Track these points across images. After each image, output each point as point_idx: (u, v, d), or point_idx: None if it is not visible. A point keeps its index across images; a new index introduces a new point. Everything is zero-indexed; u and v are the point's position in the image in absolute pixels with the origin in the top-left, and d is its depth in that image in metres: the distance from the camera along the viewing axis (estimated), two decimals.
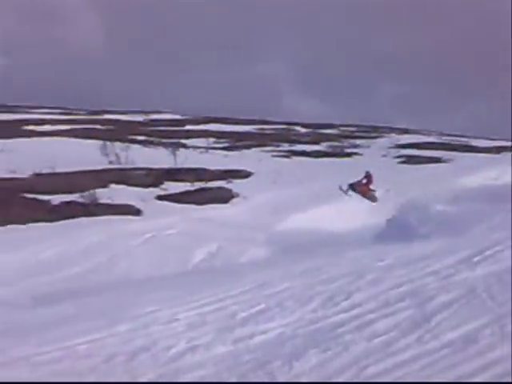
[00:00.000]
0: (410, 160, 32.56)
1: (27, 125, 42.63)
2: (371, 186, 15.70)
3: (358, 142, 42.95)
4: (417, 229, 13.46)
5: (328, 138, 45.07)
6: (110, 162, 28.37)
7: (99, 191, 20.65)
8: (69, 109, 60.61)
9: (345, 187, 15.28)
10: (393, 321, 5.88)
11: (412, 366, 4.79)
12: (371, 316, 6.08)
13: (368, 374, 4.71)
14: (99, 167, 26.38)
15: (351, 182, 15.59)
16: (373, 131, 51.75)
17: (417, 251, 8.95)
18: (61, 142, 33.89)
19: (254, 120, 57.26)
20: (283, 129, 52.88)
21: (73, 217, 17.46)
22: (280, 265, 10.08)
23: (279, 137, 44.72)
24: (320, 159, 33.02)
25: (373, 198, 15.58)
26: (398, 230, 13.95)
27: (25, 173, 24.75)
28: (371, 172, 15.87)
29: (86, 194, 20.16)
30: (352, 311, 6.32)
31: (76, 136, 36.52)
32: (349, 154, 35.85)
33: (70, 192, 20.64)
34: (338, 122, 57.18)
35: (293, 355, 5.16)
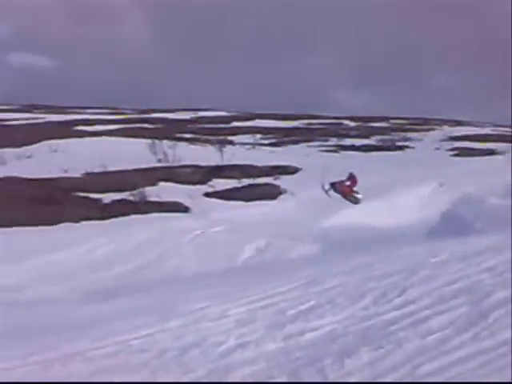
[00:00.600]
0: (464, 152, 31.68)
1: (79, 125, 43.91)
2: (355, 188, 14.86)
3: (409, 134, 42.07)
4: (471, 223, 13.11)
5: (378, 131, 44.37)
6: (159, 160, 28.87)
7: (148, 189, 21.07)
8: (118, 108, 62.03)
9: (327, 186, 14.51)
10: (447, 318, 5.75)
11: (467, 365, 4.66)
12: (425, 313, 5.96)
13: (422, 372, 4.63)
14: (148, 165, 26.90)
15: (333, 181, 14.80)
16: (424, 124, 50.61)
17: (472, 246, 8.71)
18: (111, 142, 34.74)
19: (302, 115, 56.99)
20: (331, 123, 52.41)
21: (123, 215, 17.89)
22: (330, 261, 10.02)
23: (327, 131, 44.36)
24: (370, 153, 32.57)
25: (355, 200, 14.68)
26: (451, 225, 13.62)
27: (77, 172, 25.53)
28: (355, 174, 14.99)
29: (135, 192, 20.62)
30: (405, 308, 6.21)
31: (125, 135, 37.34)
32: (400, 148, 35.20)
33: (121, 190, 21.16)
34: (388, 115, 56.18)
35: (344, 352, 5.12)
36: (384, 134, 42.76)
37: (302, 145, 37.13)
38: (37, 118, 50.16)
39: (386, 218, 15.50)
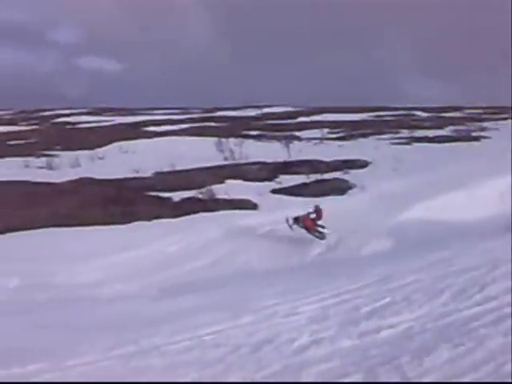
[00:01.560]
0: None
1: (147, 126, 45.24)
2: (320, 222, 14.07)
3: (485, 124, 40.44)
4: None
5: (452, 121, 42.94)
6: (225, 158, 29.26)
7: (216, 187, 21.40)
8: (185, 108, 63.33)
9: (290, 221, 14.14)
10: None
11: None
12: (508, 310, 5.74)
13: (505, 371, 4.47)
14: (215, 163, 27.33)
15: (297, 215, 14.36)
16: (501, 112, 48.46)
17: None
18: (179, 141, 35.57)
19: (371, 107, 56.02)
20: (402, 114, 51.21)
21: (193, 212, 18.26)
22: (405, 257, 9.82)
23: (398, 123, 43.38)
24: (444, 144, 31.58)
25: (320, 236, 13.81)
26: None
27: (147, 172, 26.33)
28: (321, 207, 14.17)
29: (204, 190, 21.00)
30: (486, 304, 6.01)
31: (192, 134, 38.12)
32: (476, 138, 33.91)
33: (189, 189, 21.63)
34: (462, 105, 54.20)
35: (423, 350, 5.02)
36: (458, 124, 41.34)
37: (371, 138, 36.52)
38: (107, 121, 52.11)
39: (463, 211, 14.98)
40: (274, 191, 21.51)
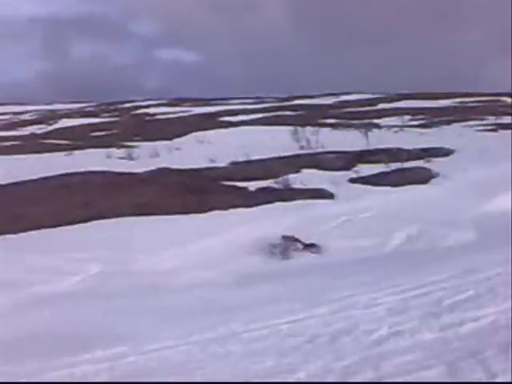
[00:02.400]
0: None
1: (223, 116, 45.93)
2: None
3: None
4: None
5: None
6: (301, 147, 29.17)
7: (292, 176, 21.42)
8: (260, 98, 63.71)
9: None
10: None
11: None
12: None
13: None
14: (291, 153, 27.33)
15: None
16: None
17: None
18: (254, 131, 35.85)
19: (454, 93, 54.01)
20: (487, 100, 49.03)
21: (268, 202, 18.39)
22: (490, 248, 9.47)
23: (483, 109, 41.59)
24: None
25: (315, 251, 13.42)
26: None
27: (223, 162, 26.76)
28: None
29: (279, 179, 21.08)
30: None
31: (268, 124, 38.30)
32: None
33: (264, 178, 21.78)
34: None
35: (509, 344, 4.85)
36: None
37: (455, 125, 35.23)
38: (185, 111, 53.36)
39: None
40: (352, 180, 21.25)
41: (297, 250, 13.10)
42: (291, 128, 31.52)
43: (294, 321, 6.68)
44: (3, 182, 24.49)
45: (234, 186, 21.45)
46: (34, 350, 6.32)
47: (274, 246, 13.18)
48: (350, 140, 28.68)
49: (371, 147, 26.28)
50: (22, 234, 16.35)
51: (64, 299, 9.50)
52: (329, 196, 19.13)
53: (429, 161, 22.93)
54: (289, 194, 19.19)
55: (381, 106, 48.89)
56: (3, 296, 9.21)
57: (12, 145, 40.15)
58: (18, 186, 23.60)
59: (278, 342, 5.95)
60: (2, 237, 15.89)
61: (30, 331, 7.22)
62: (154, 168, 25.94)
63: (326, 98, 59.91)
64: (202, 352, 5.93)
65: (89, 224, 17.02)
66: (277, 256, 12.67)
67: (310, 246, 13.11)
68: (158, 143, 34.95)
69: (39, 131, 49.05)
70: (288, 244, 13.26)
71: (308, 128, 31.38)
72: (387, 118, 39.70)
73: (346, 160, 24.45)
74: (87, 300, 9.41)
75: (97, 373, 5.42)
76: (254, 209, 17.87)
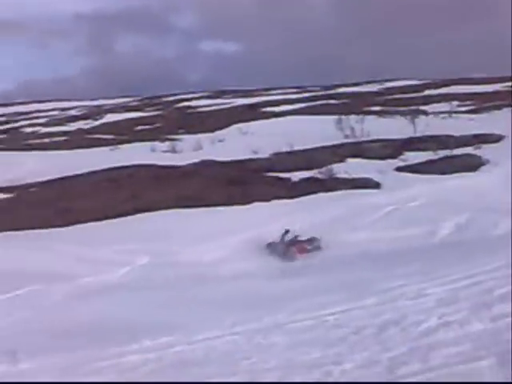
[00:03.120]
0: None
1: (265, 107, 45.90)
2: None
3: None
4: None
5: None
6: (346, 136, 28.85)
7: (336, 166, 21.21)
8: (303, 87, 63.34)
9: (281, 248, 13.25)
10: None
11: None
12: None
13: None
14: (335, 142, 27.08)
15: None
16: None
17: None
18: (297, 121, 35.66)
19: (504, 77, 52.32)
20: None
21: (312, 193, 18.28)
22: None
23: None
24: None
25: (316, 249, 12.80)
26: None
27: (265, 153, 26.76)
28: None
29: (323, 169, 20.91)
30: None
31: (311, 113, 38.04)
32: None
33: (308, 169, 21.64)
34: None
35: None
36: None
37: (505, 110, 34.14)
38: (227, 103, 53.61)
39: None
40: (399, 169, 20.88)
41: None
42: (335, 117, 31.21)
43: (341, 312, 6.65)
44: (51, 177, 25.22)
45: (277, 177, 21.40)
46: (84, 340, 6.51)
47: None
48: (396, 127, 28.15)
49: (418, 134, 25.75)
50: (70, 228, 16.81)
51: (112, 290, 9.74)
52: (375, 185, 18.84)
53: (478, 147, 22.29)
54: (333, 184, 18.99)
55: (427, 91, 47.84)
56: (54, 288, 9.51)
57: (59, 140, 41.27)
58: (65, 181, 24.26)
59: (324, 333, 5.94)
60: (51, 230, 16.38)
61: (80, 322, 7.44)
62: (197, 160, 26.18)
63: (370, 85, 59.07)
64: (247, 342, 5.98)
65: (135, 216, 17.35)
66: (322, 247, 12.63)
67: (310, 241, 12.95)
68: (200, 136, 35.25)
69: (86, 126, 50.19)
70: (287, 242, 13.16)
71: (352, 116, 30.96)
72: (435, 104, 38.79)
73: (392, 148, 24.01)
74: (135, 291, 9.62)
75: (145, 362, 5.54)
76: (298, 200, 17.81)
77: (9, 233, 15.75)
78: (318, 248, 12.91)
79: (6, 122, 61.15)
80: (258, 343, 5.93)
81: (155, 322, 7.28)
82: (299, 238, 13.08)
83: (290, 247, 12.85)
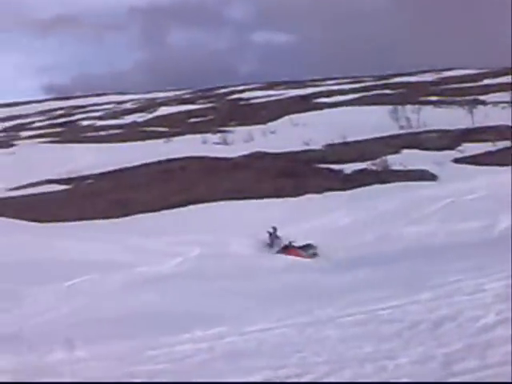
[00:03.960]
0: None
1: (318, 97, 45.52)
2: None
3: None
4: None
5: None
6: (401, 127, 28.40)
7: (391, 157, 20.89)
8: (357, 77, 62.44)
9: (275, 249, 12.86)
10: None
11: None
12: None
13: None
14: (390, 133, 26.64)
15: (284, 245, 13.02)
16: None
17: None
18: (351, 111, 35.26)
19: None
20: None
21: (365, 185, 18.09)
22: None
23: None
24: None
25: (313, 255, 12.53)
26: None
27: (318, 144, 26.60)
28: None
29: (377, 161, 20.63)
30: None
31: (365, 103, 37.50)
32: None
33: (362, 160, 21.41)
34: None
35: None
36: None
37: None
38: (278, 95, 53.46)
39: None
40: (456, 160, 20.41)
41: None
42: (390, 107, 30.72)
43: (395, 306, 6.53)
44: (107, 169, 25.89)
45: (330, 169, 21.28)
46: (138, 329, 6.65)
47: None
48: (453, 118, 27.47)
49: (476, 125, 25.05)
50: (125, 218, 17.25)
51: (165, 281, 9.92)
52: (431, 177, 18.50)
53: None
54: (388, 176, 18.75)
55: (486, 81, 46.30)
56: (109, 277, 9.77)
57: (115, 133, 42.27)
58: (120, 173, 24.86)
59: (377, 328, 5.84)
60: (106, 221, 16.86)
61: (134, 311, 7.61)
62: (248, 152, 26.33)
63: (426, 74, 57.62)
64: (298, 335, 5.96)
65: (187, 208, 17.64)
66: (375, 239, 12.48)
67: (306, 247, 12.81)
68: (252, 127, 35.39)
69: (140, 119, 51.18)
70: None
71: (408, 106, 30.42)
72: (493, 94, 37.55)
73: (449, 139, 23.50)
74: (187, 282, 9.76)
75: (196, 352, 5.60)
76: (351, 192, 17.66)
77: (66, 223, 16.30)
78: (315, 255, 12.82)
79: (64, 116, 63.08)
80: (310, 336, 5.90)
81: (207, 312, 7.36)
82: (294, 244, 13.01)
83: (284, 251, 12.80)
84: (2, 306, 7.44)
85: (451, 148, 22.27)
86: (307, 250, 12.80)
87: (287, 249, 12.76)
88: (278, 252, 12.81)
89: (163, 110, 54.85)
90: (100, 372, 4.98)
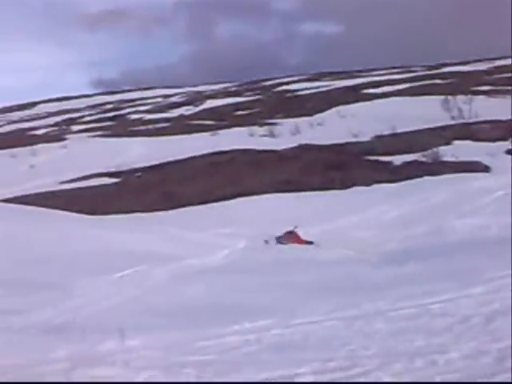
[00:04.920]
0: None
1: (366, 88, 44.99)
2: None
3: None
4: None
5: None
6: (453, 118, 27.84)
7: (442, 149, 20.48)
8: (407, 67, 61.39)
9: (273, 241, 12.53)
10: None
11: None
12: None
13: None
14: (441, 124, 26.11)
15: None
16: None
17: None
18: (400, 102, 34.71)
19: None
20: None
21: (415, 177, 17.80)
22: None
23: None
24: None
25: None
26: None
27: (366, 136, 26.30)
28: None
29: (427, 152, 20.27)
30: None
31: (415, 94, 36.88)
32: None
33: (412, 152, 21.07)
34: None
35: None
36: None
37: None
38: (326, 86, 53.11)
39: None
40: (509, 152, 19.87)
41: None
42: (441, 97, 30.11)
43: (446, 300, 6.44)
44: (155, 163, 26.35)
45: (378, 161, 21.02)
46: (186, 320, 6.76)
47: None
48: (506, 108, 26.69)
49: None
50: (172, 211, 17.53)
51: (213, 272, 10.03)
52: (484, 169, 18.08)
53: None
54: (439, 168, 18.40)
55: None
56: (158, 269, 9.95)
57: (162, 126, 42.93)
58: (168, 166, 25.27)
59: (428, 322, 5.78)
60: (154, 213, 17.16)
61: (182, 302, 7.74)
62: (295, 145, 26.29)
63: (479, 63, 56.11)
64: (346, 329, 5.94)
65: (234, 201, 17.77)
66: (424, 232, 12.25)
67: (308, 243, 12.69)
68: (299, 119, 35.28)
69: (187, 113, 51.81)
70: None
71: (460, 96, 29.74)
72: None
73: (503, 130, 22.88)
74: (235, 273, 9.85)
75: (244, 344, 5.66)
76: (400, 184, 17.40)
77: (115, 216, 16.68)
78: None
79: (113, 110, 64.49)
80: (359, 330, 5.87)
81: (254, 304, 7.42)
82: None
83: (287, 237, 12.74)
84: (55, 297, 7.69)
85: (505, 139, 21.72)
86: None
87: (291, 234, 12.77)
88: (279, 239, 12.75)
89: (210, 103, 55.37)
90: (150, 361, 5.11)
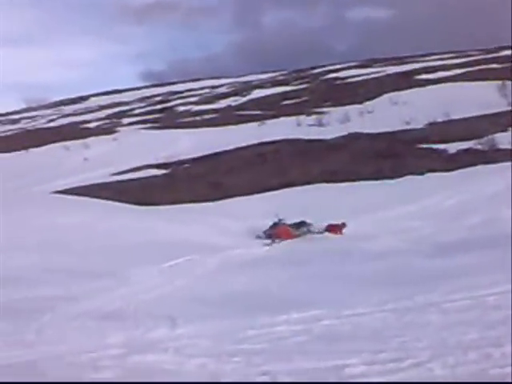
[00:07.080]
0: None
1: (419, 74, 44.07)
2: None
3: None
4: None
5: None
6: (510, 104, 27.03)
7: (498, 136, 19.91)
8: (463, 51, 59.71)
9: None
10: None
11: None
12: None
13: None
14: (497, 110, 25.37)
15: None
16: None
17: None
18: (455, 88, 33.87)
19: None
20: None
21: (471, 165, 17.39)
22: None
23: None
24: None
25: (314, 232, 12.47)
26: None
27: (419, 123, 25.81)
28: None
29: (483, 140, 19.76)
30: None
31: (471, 79, 35.92)
32: None
33: (467, 139, 20.56)
34: None
35: None
36: None
37: None
38: (377, 72, 52.27)
39: None
40: None
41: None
42: (498, 82, 29.22)
43: (502, 293, 6.31)
44: (202, 154, 26.65)
45: (432, 149, 20.61)
46: (236, 309, 6.87)
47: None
48: None
49: None
50: (220, 202, 17.71)
51: (261, 263, 10.14)
52: None
53: None
54: (495, 156, 17.91)
55: None
56: (208, 258, 10.13)
57: (210, 117, 43.29)
58: (215, 157, 25.52)
59: (482, 314, 5.68)
60: (203, 204, 17.38)
61: (232, 291, 7.86)
62: (344, 133, 26.05)
63: None
64: (398, 320, 5.91)
65: (281, 191, 17.80)
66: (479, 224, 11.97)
67: (299, 225, 12.58)
68: (348, 107, 34.91)
69: (234, 103, 52.02)
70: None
71: None
72: None
73: None
74: (282, 264, 9.91)
75: (293, 333, 5.71)
76: (455, 173, 17.03)
77: (165, 207, 17.00)
78: (307, 232, 12.63)
79: (162, 102, 65.39)
80: (410, 321, 5.83)
81: (303, 294, 7.46)
82: (284, 222, 12.80)
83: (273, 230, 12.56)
84: (109, 285, 7.95)
85: None
86: (300, 227, 12.68)
87: (276, 227, 12.63)
88: (265, 233, 12.60)
89: (257, 93, 55.38)
90: (200, 349, 5.23)
